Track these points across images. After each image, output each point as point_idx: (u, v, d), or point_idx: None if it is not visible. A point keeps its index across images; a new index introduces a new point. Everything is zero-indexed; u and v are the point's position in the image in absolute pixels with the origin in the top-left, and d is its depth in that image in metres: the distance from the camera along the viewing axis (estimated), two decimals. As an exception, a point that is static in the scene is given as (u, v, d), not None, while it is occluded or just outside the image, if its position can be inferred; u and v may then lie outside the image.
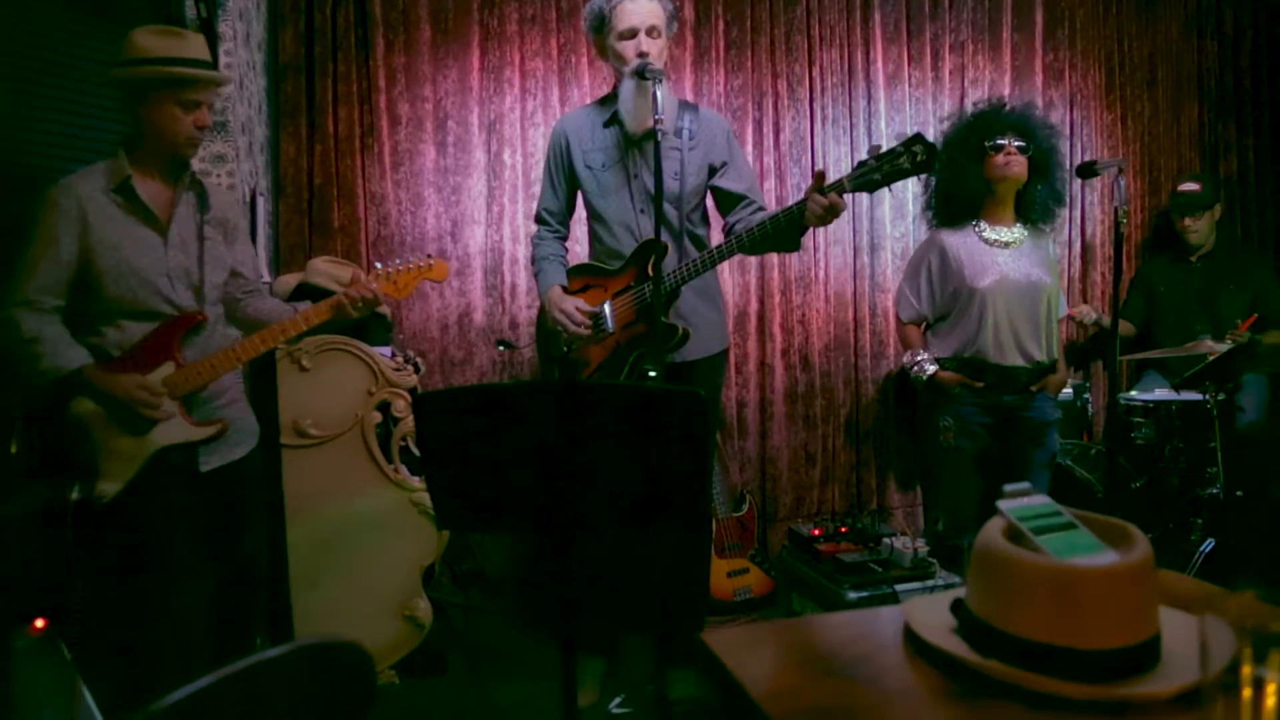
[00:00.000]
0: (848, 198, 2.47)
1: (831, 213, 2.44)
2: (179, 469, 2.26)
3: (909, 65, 4.42)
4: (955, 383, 3.07)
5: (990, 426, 3.08)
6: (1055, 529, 0.98)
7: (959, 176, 3.06)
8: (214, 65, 2.30)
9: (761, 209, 2.78)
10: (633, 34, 2.71)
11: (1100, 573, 0.89)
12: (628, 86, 2.72)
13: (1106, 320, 4.18)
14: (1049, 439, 3.14)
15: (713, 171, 2.85)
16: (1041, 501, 1.03)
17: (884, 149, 2.39)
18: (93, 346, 2.20)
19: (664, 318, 2.60)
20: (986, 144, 3.02)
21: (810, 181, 2.63)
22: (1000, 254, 3.06)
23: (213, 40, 2.99)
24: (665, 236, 2.65)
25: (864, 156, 2.47)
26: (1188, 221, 4.27)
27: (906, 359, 3.25)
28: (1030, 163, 3.03)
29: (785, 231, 2.56)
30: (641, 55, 2.69)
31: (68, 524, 2.08)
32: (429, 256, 2.44)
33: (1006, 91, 4.49)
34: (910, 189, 4.31)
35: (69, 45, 2.59)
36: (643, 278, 2.66)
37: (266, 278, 2.57)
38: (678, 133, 2.78)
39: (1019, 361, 3.04)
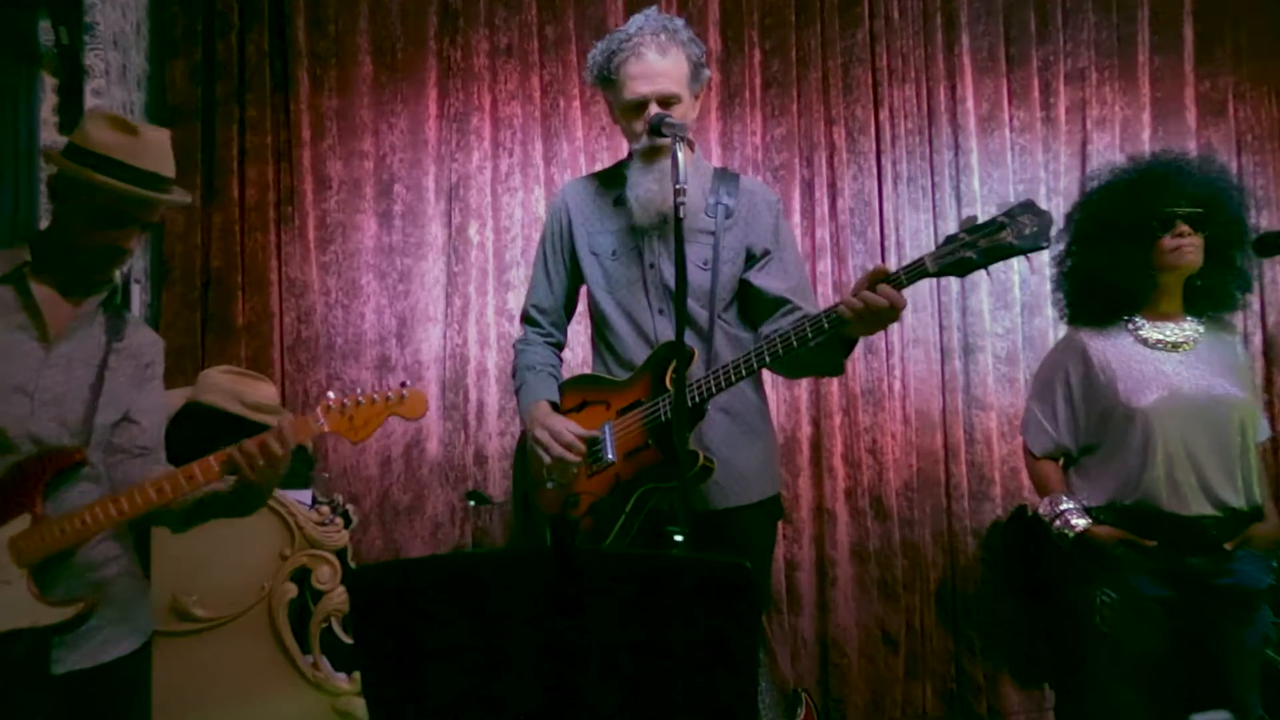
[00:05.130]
0: (930, 283, 2.36)
1: (882, 316, 2.34)
2: (18, 667, 2.11)
3: (1010, 104, 4.28)
4: (1116, 541, 2.91)
5: (1170, 602, 2.87)
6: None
7: (1112, 264, 2.95)
8: (166, 180, 2.26)
9: (807, 316, 2.62)
10: (641, 106, 2.67)
11: None
12: (634, 170, 2.73)
13: None
14: (1259, 616, 2.93)
15: (751, 260, 2.78)
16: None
17: (980, 220, 2.32)
18: None
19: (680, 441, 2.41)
20: (1155, 221, 2.91)
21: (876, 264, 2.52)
22: (1168, 360, 2.95)
23: (77, 74, 2.99)
24: (691, 341, 2.60)
25: (952, 230, 2.38)
26: None
27: (1045, 509, 3.07)
28: (1207, 242, 2.91)
29: (818, 346, 2.43)
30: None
31: None
32: (403, 385, 2.34)
33: (1146, 134, 4.28)
34: (1017, 268, 4.14)
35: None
36: (658, 391, 2.60)
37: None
38: (710, 210, 2.74)
39: (1205, 509, 2.86)
